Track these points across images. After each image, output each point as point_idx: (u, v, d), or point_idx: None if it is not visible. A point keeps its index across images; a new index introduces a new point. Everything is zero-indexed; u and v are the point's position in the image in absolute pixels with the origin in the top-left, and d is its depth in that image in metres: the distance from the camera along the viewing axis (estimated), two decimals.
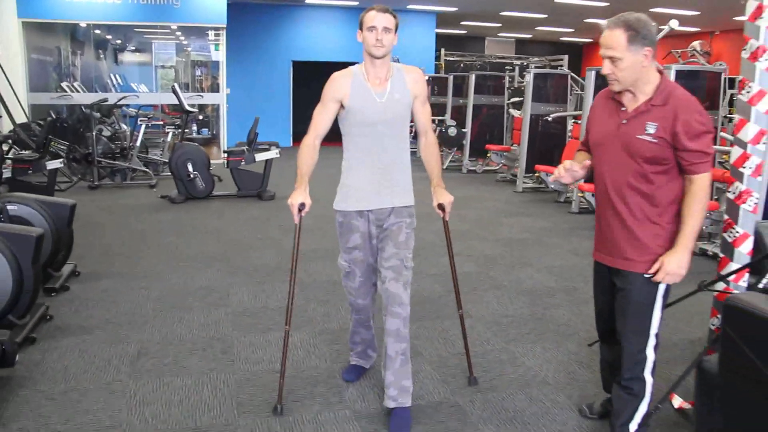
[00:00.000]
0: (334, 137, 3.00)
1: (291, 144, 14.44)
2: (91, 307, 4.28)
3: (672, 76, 6.25)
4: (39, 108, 10.89)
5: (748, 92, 2.74)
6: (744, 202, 2.81)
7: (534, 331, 4.03)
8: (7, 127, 8.80)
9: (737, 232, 2.83)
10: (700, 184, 2.27)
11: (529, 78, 9.10)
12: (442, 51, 18.45)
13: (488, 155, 10.76)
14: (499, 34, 21.23)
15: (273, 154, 8.31)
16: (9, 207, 4.38)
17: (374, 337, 3.32)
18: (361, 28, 2.82)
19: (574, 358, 3.63)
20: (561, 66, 16.08)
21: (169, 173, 8.35)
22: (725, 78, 7.04)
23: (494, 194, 9.07)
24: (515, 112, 11.20)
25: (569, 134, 9.24)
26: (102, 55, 14.62)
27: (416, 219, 3.00)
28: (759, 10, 2.64)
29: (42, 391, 3.11)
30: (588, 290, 4.07)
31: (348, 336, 3.38)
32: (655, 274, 2.36)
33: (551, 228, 6.98)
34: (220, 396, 3.11)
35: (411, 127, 3.02)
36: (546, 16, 15.98)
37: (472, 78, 11.05)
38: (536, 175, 9.03)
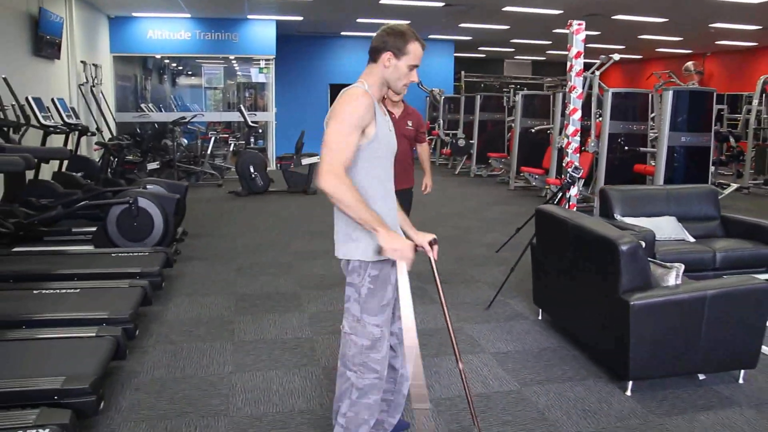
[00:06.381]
0: None
1: None
2: (201, 249, 6.67)
3: (609, 97, 8.43)
4: (122, 125, 13.49)
5: (568, 109, 5.02)
6: (570, 168, 5.07)
7: (484, 261, 6.29)
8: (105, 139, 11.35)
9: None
10: (426, 147, 4.98)
11: (518, 98, 11.35)
12: (462, 73, 20.69)
13: (489, 161, 12.99)
14: (515, 57, 23.43)
15: (315, 159, 10.69)
16: (148, 186, 6.82)
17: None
18: (397, 55, 2.35)
19: (502, 273, 5.83)
20: None
21: (233, 176, 10.77)
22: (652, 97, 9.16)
23: (490, 192, 11.31)
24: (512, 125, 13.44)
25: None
26: (165, 80, 17.40)
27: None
28: (570, 66, 4.91)
29: (187, 282, 5.49)
30: (525, 241, 6.25)
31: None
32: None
33: (524, 212, 9.08)
34: (289, 282, 5.46)
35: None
36: (551, 42, 18.16)
37: (478, 98, 13.32)
38: (521, 175, 11.23)
